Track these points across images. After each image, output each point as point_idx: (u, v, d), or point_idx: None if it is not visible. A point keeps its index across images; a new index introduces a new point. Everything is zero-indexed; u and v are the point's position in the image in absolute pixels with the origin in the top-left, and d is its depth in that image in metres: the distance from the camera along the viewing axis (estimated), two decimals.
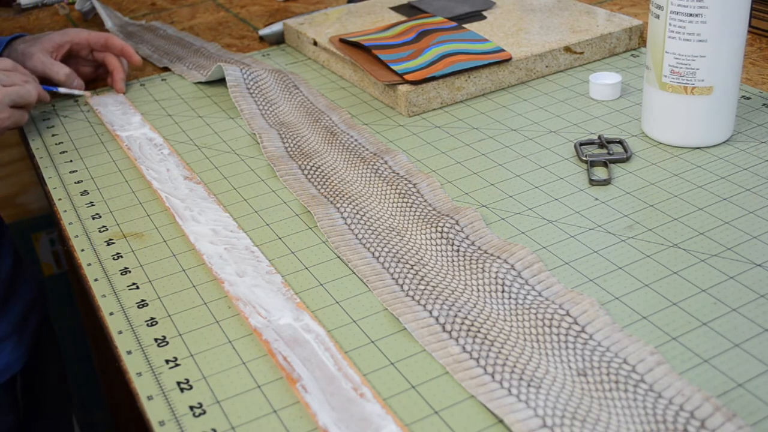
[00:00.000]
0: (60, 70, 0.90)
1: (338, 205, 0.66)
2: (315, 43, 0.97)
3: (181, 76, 0.98)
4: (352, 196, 0.68)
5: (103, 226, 0.68)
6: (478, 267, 0.57)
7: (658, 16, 0.69)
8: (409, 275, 0.57)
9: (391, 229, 0.63)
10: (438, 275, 0.57)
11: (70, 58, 0.93)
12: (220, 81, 0.95)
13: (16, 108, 0.79)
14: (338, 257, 0.61)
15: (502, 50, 0.86)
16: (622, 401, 0.45)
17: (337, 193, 0.68)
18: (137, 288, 0.60)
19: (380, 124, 0.82)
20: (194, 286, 0.59)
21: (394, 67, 0.83)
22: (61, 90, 0.90)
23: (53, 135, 0.86)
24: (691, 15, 0.66)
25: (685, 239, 0.60)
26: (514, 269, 0.56)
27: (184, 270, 0.61)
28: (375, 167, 0.71)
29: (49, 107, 0.92)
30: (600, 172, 0.69)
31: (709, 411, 0.44)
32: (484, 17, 0.98)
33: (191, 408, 0.48)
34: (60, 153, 0.81)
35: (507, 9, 1.00)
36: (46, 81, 0.91)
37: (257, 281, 0.59)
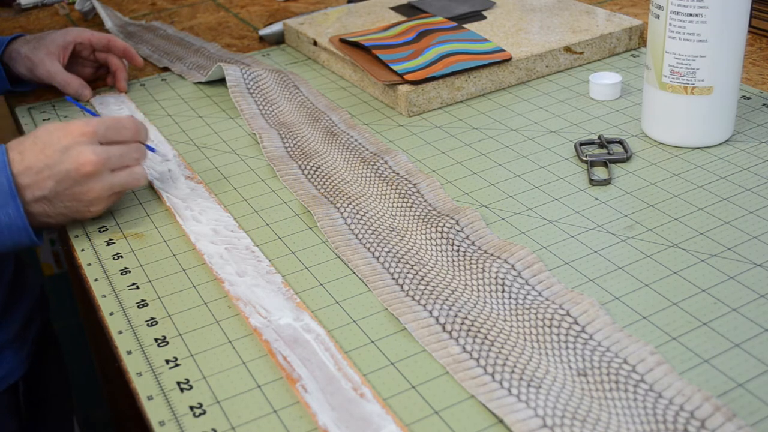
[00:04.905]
0: (70, 83, 0.90)
1: (338, 205, 0.66)
2: (315, 43, 0.97)
3: (181, 76, 0.98)
4: (352, 196, 0.68)
5: (103, 226, 0.68)
6: (478, 267, 0.57)
7: (658, 16, 0.69)
8: (409, 275, 0.57)
9: (391, 229, 0.63)
10: (438, 275, 0.57)
11: (71, 57, 0.93)
12: (220, 81, 0.94)
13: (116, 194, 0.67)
14: (338, 257, 0.61)
15: (502, 50, 0.86)
16: (622, 401, 0.45)
17: (337, 193, 0.68)
18: (137, 288, 0.60)
19: (380, 124, 0.82)
20: (194, 286, 0.59)
21: (394, 67, 0.83)
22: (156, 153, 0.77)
23: None
24: (691, 15, 0.66)
25: (685, 239, 0.60)
26: (514, 269, 0.56)
27: (184, 270, 0.61)
28: (375, 167, 0.71)
29: (50, 107, 0.92)
30: (600, 172, 0.69)
31: (709, 411, 0.44)
32: (484, 17, 0.98)
33: (191, 408, 0.48)
34: None
35: (507, 9, 1.00)
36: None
37: (257, 281, 0.59)
